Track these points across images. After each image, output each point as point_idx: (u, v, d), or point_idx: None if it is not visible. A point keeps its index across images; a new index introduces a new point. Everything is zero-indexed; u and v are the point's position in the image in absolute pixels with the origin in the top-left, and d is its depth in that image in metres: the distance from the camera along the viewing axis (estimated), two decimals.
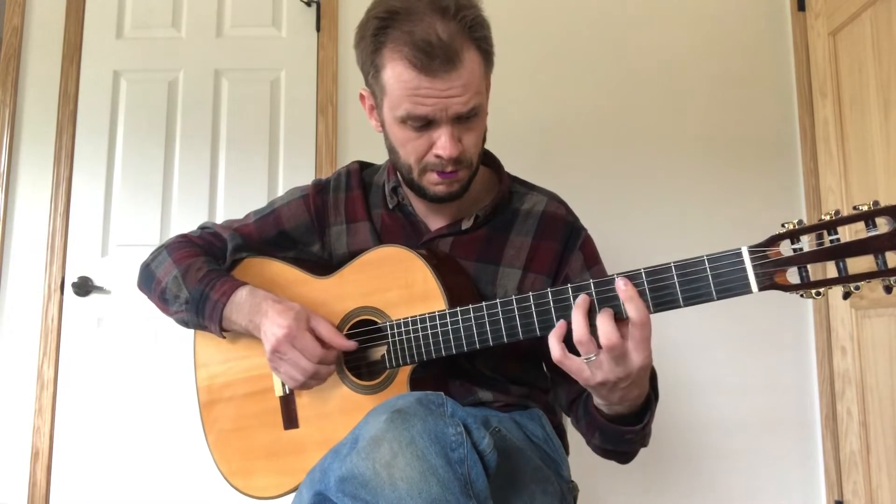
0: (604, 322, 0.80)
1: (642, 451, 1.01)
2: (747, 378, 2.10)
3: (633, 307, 0.80)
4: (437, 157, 0.98)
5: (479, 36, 0.95)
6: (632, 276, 0.82)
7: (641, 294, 0.81)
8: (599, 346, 0.81)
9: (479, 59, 0.96)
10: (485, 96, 1.00)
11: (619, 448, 0.98)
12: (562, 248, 1.09)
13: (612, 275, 0.84)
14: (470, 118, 0.97)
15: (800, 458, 2.08)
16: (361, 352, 1.05)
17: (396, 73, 0.93)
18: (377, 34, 0.94)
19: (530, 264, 1.08)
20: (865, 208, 0.70)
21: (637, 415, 0.92)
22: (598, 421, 0.94)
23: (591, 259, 1.10)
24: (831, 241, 0.72)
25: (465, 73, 0.93)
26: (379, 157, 1.14)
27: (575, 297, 0.85)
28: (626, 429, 0.92)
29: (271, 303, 1.01)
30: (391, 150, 1.05)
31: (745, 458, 2.08)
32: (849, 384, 1.98)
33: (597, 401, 0.91)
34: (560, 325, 0.85)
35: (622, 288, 0.81)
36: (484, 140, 1.06)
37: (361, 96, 1.07)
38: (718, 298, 0.78)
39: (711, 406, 2.09)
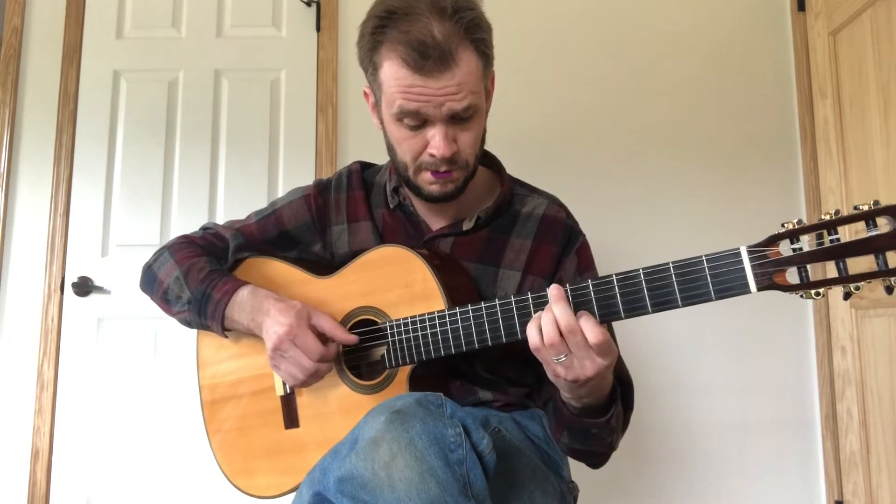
0: (584, 323, 0.82)
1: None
2: (747, 378, 2.10)
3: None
4: (431, 156, 0.98)
5: (476, 37, 0.94)
6: (630, 276, 0.82)
7: (638, 292, 0.82)
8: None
9: (476, 61, 0.95)
10: (482, 97, 0.99)
11: (587, 446, 0.98)
12: (560, 251, 1.09)
13: (610, 275, 0.84)
14: (466, 118, 0.97)
15: (800, 458, 2.08)
16: (362, 351, 1.05)
17: (392, 72, 0.94)
18: (375, 33, 0.95)
19: (530, 267, 1.08)
20: (866, 208, 0.69)
21: (604, 406, 0.93)
22: (565, 417, 0.95)
23: (585, 264, 1.10)
24: (831, 241, 0.72)
25: (459, 73, 0.92)
26: (379, 156, 1.13)
27: (574, 298, 0.85)
28: (591, 421, 0.93)
29: (273, 301, 1.02)
30: (389, 148, 1.05)
31: (745, 459, 2.08)
32: (849, 384, 1.98)
33: (565, 395, 0.92)
34: (537, 316, 0.86)
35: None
36: (483, 142, 1.06)
37: (365, 93, 1.07)
38: (717, 298, 0.78)
39: (711, 406, 2.09)
